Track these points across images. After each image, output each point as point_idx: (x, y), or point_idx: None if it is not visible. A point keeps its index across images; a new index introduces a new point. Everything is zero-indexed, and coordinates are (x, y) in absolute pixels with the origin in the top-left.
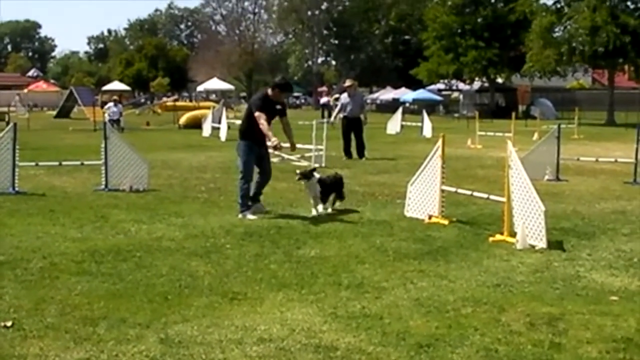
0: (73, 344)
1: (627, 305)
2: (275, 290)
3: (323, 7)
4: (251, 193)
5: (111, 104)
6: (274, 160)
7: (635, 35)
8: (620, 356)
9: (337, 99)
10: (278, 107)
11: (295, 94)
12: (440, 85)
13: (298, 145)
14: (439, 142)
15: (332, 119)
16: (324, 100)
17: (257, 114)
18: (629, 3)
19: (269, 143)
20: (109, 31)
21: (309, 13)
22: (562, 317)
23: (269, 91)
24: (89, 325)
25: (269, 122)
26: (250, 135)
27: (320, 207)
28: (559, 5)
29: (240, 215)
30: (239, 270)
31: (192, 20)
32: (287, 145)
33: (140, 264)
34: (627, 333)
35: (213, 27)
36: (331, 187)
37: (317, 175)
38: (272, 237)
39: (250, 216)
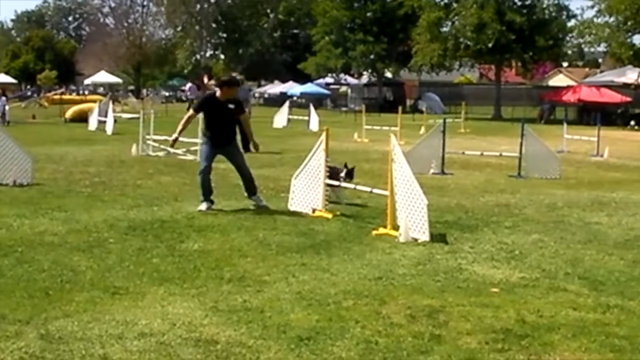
0: None
1: (507, 296)
2: (157, 285)
3: (212, 0)
4: (244, 194)
5: None
6: (159, 154)
7: (521, 32)
8: (499, 346)
9: None
10: (230, 106)
11: (183, 88)
12: (329, 79)
13: (184, 139)
14: (323, 136)
15: None
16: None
17: (189, 113)
18: (515, 0)
19: (172, 138)
20: None
21: (198, 6)
22: (442, 309)
23: (217, 92)
24: None
25: (224, 123)
26: (206, 134)
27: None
28: (447, 1)
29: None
30: (122, 265)
31: (80, 12)
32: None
33: (21, 259)
34: (506, 324)
35: (101, 20)
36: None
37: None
38: (155, 231)
39: (201, 207)
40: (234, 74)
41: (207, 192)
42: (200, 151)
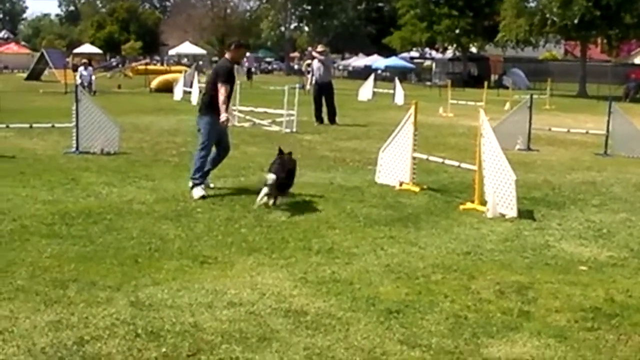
0: (43, 307)
1: (595, 275)
2: (245, 255)
3: None
4: (206, 168)
5: (81, 67)
6: (244, 124)
7: (607, 8)
8: (588, 325)
9: (309, 65)
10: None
11: (268, 59)
12: (413, 54)
13: (270, 110)
14: (412, 109)
15: (307, 85)
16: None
17: (224, 87)
18: None
19: (222, 117)
20: None
21: None
22: (531, 285)
23: (228, 56)
24: (59, 288)
25: (230, 91)
26: (214, 109)
27: None
28: None
29: (190, 185)
30: (209, 234)
31: None
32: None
33: (110, 226)
34: (595, 302)
35: None
36: None
37: None
38: (243, 201)
39: (199, 192)
40: (319, 46)
41: (206, 174)
42: (210, 125)
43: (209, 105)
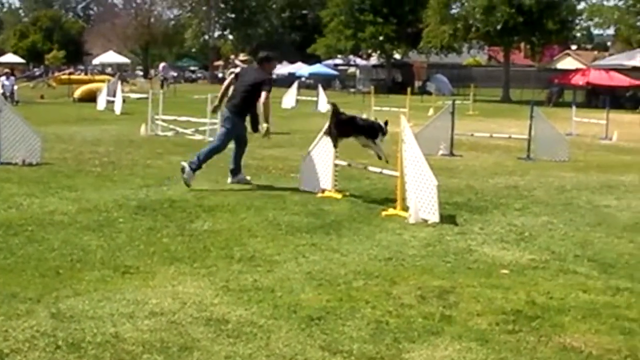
0: None
1: (517, 278)
2: (167, 264)
3: None
4: (231, 166)
5: (3, 77)
6: (168, 134)
7: (530, 14)
8: (509, 327)
9: (232, 73)
10: None
11: (192, 68)
12: (338, 61)
13: (193, 119)
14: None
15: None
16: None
17: (268, 95)
18: None
19: (262, 127)
20: (2, 2)
21: None
22: (453, 290)
23: (262, 67)
24: None
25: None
26: (245, 113)
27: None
28: None
29: (187, 170)
30: (132, 244)
31: None
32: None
33: (32, 238)
34: (516, 305)
35: (109, 0)
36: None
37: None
38: (165, 210)
39: (191, 180)
40: (241, 54)
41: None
42: (235, 125)
43: (242, 109)
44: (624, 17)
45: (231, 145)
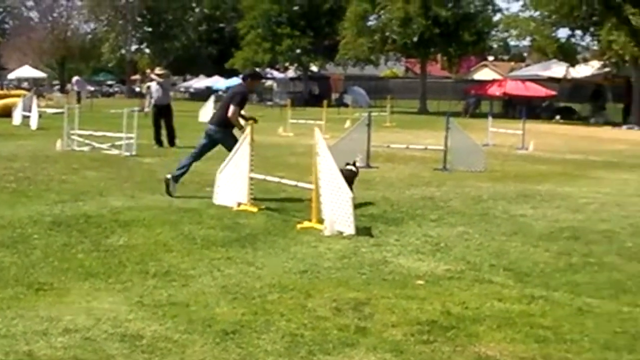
0: None
1: (432, 289)
2: (82, 280)
3: None
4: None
5: None
6: (84, 149)
7: (446, 26)
8: (424, 338)
9: (148, 87)
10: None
11: (109, 82)
12: None
13: (109, 134)
14: (248, 129)
15: (145, 108)
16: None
17: (234, 109)
18: None
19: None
20: None
21: (122, 0)
22: (368, 301)
23: (244, 83)
24: None
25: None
26: (229, 124)
27: None
28: None
29: (170, 178)
30: (46, 261)
31: (3, 6)
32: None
33: None
34: (431, 316)
35: (25, 13)
36: None
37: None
38: (80, 226)
39: (171, 187)
40: (157, 68)
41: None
42: (229, 137)
43: (227, 121)
44: (540, 28)
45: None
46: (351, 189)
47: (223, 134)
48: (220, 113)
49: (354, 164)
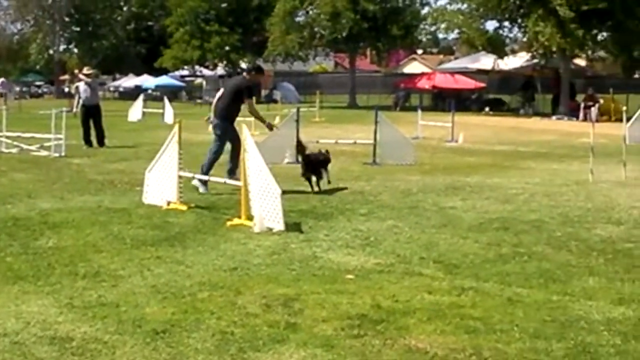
0: None
1: (362, 283)
2: (10, 284)
3: None
4: (228, 166)
5: None
6: (12, 150)
7: (374, 20)
8: (354, 332)
9: (77, 88)
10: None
11: (37, 83)
12: (184, 72)
13: (38, 135)
14: (176, 128)
15: (74, 108)
16: None
17: (251, 101)
18: None
19: (265, 124)
20: None
21: (50, 0)
22: (298, 297)
23: (247, 76)
24: None
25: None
26: (231, 117)
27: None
28: None
29: (196, 184)
30: None
31: None
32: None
33: None
34: (361, 310)
35: None
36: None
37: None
38: (8, 229)
39: (203, 189)
40: (85, 68)
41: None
42: (225, 131)
43: (227, 114)
44: (468, 21)
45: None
46: (327, 172)
47: (222, 128)
48: (222, 106)
49: (326, 151)
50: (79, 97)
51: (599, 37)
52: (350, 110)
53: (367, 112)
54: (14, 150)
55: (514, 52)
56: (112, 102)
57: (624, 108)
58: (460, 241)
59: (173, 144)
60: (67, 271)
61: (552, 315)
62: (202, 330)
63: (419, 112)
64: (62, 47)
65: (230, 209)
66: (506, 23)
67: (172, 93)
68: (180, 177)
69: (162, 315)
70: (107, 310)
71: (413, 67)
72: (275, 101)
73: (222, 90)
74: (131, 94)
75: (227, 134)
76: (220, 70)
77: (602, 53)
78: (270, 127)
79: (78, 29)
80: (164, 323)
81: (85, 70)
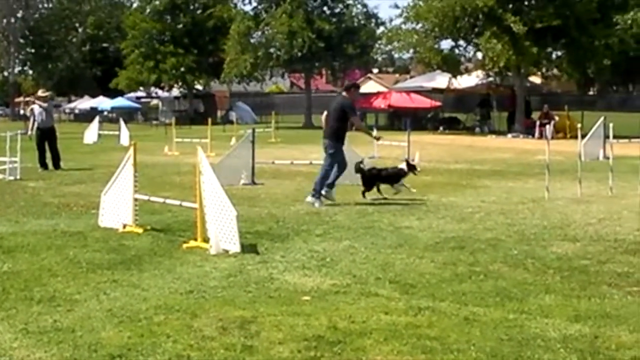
0: None
1: (318, 304)
2: None
3: (19, 14)
4: (329, 181)
5: None
6: None
7: (330, 40)
8: (311, 354)
9: (32, 110)
10: None
11: None
12: (140, 93)
13: None
14: (131, 150)
15: (28, 130)
16: None
17: (357, 118)
18: (325, 8)
19: (373, 136)
20: None
21: (5, 21)
22: (254, 319)
23: (347, 94)
24: None
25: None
26: (342, 137)
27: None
28: (257, 11)
29: (312, 200)
30: None
31: None
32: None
33: None
34: (318, 331)
35: None
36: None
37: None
38: None
39: (317, 205)
40: (39, 91)
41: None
42: (337, 150)
43: (339, 134)
44: (422, 40)
45: None
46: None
47: (334, 149)
48: (333, 127)
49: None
50: (34, 120)
51: (554, 55)
52: (306, 130)
53: (322, 132)
54: None
55: (468, 70)
56: (68, 124)
57: (579, 125)
58: (416, 261)
59: (128, 166)
60: (22, 296)
61: (508, 334)
62: (158, 354)
63: (375, 131)
64: (17, 69)
65: (186, 231)
66: (461, 42)
67: (128, 115)
68: (135, 199)
69: (118, 340)
70: (62, 335)
71: (369, 86)
72: (231, 122)
73: (325, 112)
74: (87, 116)
75: (339, 154)
76: (175, 91)
77: (556, 71)
78: (378, 139)
79: (33, 50)
80: (120, 347)
81: (40, 92)
